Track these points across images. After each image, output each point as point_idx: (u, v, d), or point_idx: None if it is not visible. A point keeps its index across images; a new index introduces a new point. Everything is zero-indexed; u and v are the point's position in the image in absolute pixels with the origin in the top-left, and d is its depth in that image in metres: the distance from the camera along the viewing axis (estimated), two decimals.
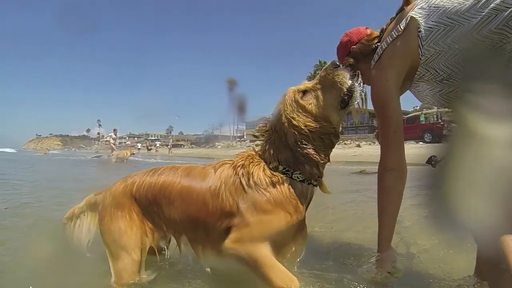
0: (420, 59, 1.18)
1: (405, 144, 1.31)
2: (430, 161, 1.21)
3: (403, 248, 1.73)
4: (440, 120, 16.95)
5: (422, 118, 18.64)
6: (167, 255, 1.36)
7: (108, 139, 15.77)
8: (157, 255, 1.33)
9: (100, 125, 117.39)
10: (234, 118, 58.66)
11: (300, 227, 1.19)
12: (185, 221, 1.19)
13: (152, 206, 1.23)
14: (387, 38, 1.25)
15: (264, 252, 1.05)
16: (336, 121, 1.13)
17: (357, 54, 1.43)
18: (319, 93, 1.11)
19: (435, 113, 17.69)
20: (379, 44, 1.33)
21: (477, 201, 0.91)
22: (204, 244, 1.19)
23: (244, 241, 1.05)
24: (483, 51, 1.08)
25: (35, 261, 1.59)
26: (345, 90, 1.09)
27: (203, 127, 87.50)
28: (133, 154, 15.43)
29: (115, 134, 15.84)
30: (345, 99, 1.10)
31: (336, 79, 1.09)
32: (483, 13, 1.02)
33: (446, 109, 1.40)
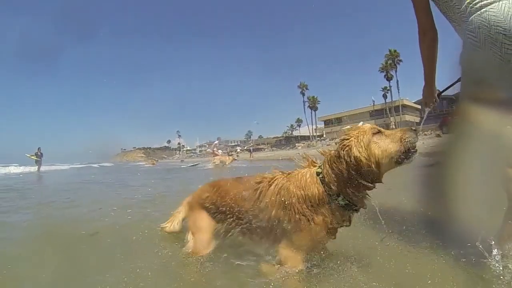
0: None
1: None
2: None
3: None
4: None
5: None
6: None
7: (213, 147, 17.54)
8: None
9: (179, 135, 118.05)
10: (312, 117, 59.81)
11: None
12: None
13: (213, 206, 1.66)
14: None
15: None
16: (382, 171, 1.26)
17: None
18: (387, 140, 1.24)
19: None
20: None
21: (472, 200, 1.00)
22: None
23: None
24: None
25: None
26: (405, 149, 1.21)
27: (282, 129, 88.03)
28: (235, 159, 16.32)
29: (218, 143, 18.41)
30: (402, 158, 1.22)
31: (405, 136, 1.22)
32: None
33: None
